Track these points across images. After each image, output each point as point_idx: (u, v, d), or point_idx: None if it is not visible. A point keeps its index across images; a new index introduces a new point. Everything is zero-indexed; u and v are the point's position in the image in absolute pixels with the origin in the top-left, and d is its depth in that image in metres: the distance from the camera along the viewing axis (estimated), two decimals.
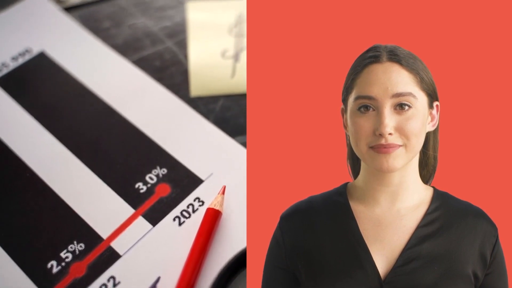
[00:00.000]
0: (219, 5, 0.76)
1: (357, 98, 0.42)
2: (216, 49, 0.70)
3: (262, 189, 0.51)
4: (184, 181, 0.59)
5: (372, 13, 0.50)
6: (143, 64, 0.69)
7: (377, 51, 0.43)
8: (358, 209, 0.43)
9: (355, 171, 0.46)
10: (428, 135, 0.44)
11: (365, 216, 0.43)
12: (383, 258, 0.42)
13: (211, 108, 0.65)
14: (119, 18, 0.75)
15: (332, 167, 0.48)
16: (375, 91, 0.41)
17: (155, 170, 0.59)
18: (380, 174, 0.43)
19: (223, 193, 0.56)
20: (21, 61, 0.69)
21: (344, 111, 0.44)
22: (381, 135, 0.41)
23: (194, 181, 0.58)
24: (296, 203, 0.45)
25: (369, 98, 0.42)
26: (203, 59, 0.69)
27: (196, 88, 0.66)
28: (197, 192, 0.58)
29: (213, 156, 0.60)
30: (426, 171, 0.45)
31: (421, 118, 0.42)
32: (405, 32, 0.48)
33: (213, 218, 0.54)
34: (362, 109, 0.42)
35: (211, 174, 0.59)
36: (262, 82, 0.52)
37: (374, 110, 0.42)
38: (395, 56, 0.42)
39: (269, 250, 0.46)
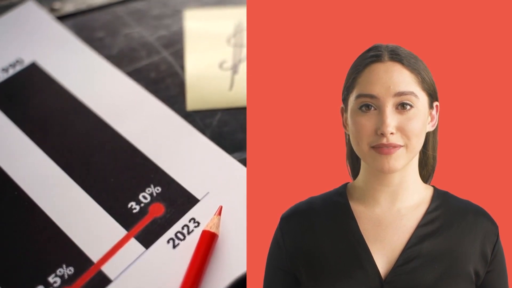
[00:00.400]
0: (217, 13, 0.73)
1: (359, 96, 0.42)
2: (214, 60, 0.68)
3: (262, 190, 0.50)
4: (179, 200, 0.56)
5: (371, 14, 0.50)
6: (138, 75, 0.66)
7: (379, 51, 0.43)
8: (358, 209, 0.43)
9: (355, 171, 0.45)
10: (427, 135, 0.44)
11: (365, 216, 0.43)
12: (383, 257, 0.42)
13: (208, 123, 0.62)
14: (114, 27, 0.72)
15: (332, 168, 0.48)
16: (377, 90, 0.41)
17: (149, 188, 0.57)
18: (381, 174, 0.43)
19: (220, 214, 0.54)
20: (11, 72, 0.67)
21: (344, 110, 0.44)
22: (382, 135, 0.41)
23: (189, 201, 0.56)
24: (296, 204, 0.45)
25: (371, 96, 0.42)
26: (200, 70, 0.66)
27: (193, 101, 0.64)
28: (192, 212, 0.55)
29: (210, 174, 0.58)
30: (426, 170, 0.45)
31: (422, 118, 0.42)
32: (405, 32, 0.48)
33: (209, 241, 0.51)
34: (363, 108, 0.42)
35: (207, 193, 0.56)
36: (262, 82, 0.52)
37: (375, 109, 0.42)
38: (396, 56, 0.42)
39: (269, 252, 0.46)
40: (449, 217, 0.43)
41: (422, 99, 0.42)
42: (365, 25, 0.50)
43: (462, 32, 0.49)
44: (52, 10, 0.73)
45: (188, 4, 0.74)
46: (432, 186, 0.45)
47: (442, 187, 0.45)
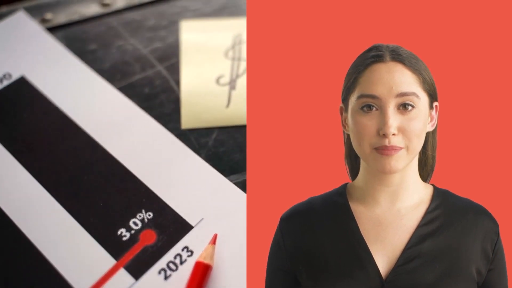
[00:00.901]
0: (215, 24, 0.70)
1: (360, 96, 0.42)
2: (211, 74, 0.64)
3: (262, 191, 0.50)
4: (171, 227, 0.53)
5: (371, 15, 0.50)
6: (131, 91, 0.63)
7: (380, 51, 0.43)
8: (358, 210, 0.44)
9: (353, 171, 0.45)
10: (427, 135, 0.44)
11: (365, 216, 0.43)
12: (384, 257, 0.42)
13: (203, 142, 0.59)
14: (107, 39, 0.69)
15: (332, 168, 0.48)
16: (379, 90, 0.41)
17: (140, 214, 0.54)
18: (381, 174, 0.43)
19: (214, 243, 0.50)
20: None
21: (343, 110, 0.44)
22: (384, 135, 0.41)
23: (182, 227, 0.52)
24: (295, 204, 0.45)
25: (373, 97, 0.42)
26: (195, 86, 0.63)
27: (188, 119, 0.60)
28: (185, 240, 0.52)
29: (204, 198, 0.54)
30: (425, 170, 0.45)
31: (423, 119, 0.42)
32: (404, 32, 0.48)
33: (202, 273, 0.48)
34: (365, 109, 0.42)
35: (202, 219, 0.53)
36: (262, 82, 0.51)
37: (377, 109, 0.42)
38: (398, 56, 0.42)
39: (270, 252, 0.46)
40: (449, 216, 0.43)
41: (423, 99, 0.42)
42: (364, 27, 0.50)
43: (462, 32, 0.49)
44: (43, 21, 0.70)
45: (185, 15, 0.71)
46: (432, 185, 0.45)
47: (442, 186, 0.45)
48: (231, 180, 0.55)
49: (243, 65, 0.65)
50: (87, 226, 0.53)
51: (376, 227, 0.43)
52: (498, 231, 0.43)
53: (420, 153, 0.44)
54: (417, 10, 0.50)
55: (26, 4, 0.72)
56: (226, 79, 0.64)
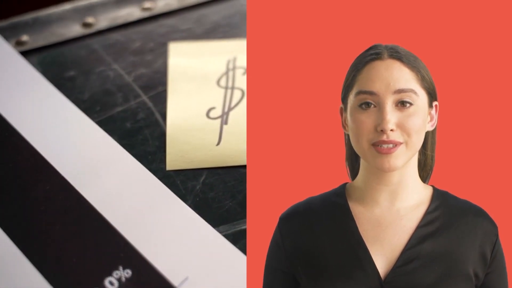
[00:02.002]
0: (207, 47, 0.64)
1: (358, 93, 0.43)
2: (200, 106, 0.58)
3: (262, 191, 0.49)
4: (151, 287, 0.47)
5: (371, 15, 0.50)
6: (111, 125, 0.58)
7: (378, 49, 0.43)
8: (358, 210, 0.44)
9: (354, 172, 0.46)
10: (426, 134, 0.44)
11: (364, 216, 0.43)
12: (383, 258, 0.42)
13: (191, 186, 0.53)
14: (87, 64, 0.63)
15: (332, 168, 0.48)
16: (377, 87, 0.42)
17: (117, 271, 0.47)
18: (380, 172, 0.43)
19: None
20: None
21: (343, 110, 0.45)
22: (382, 131, 0.41)
23: None
24: (295, 204, 0.45)
25: (371, 93, 0.42)
26: (183, 120, 0.57)
27: (173, 159, 0.54)
28: None
29: (190, 253, 0.48)
30: (425, 171, 0.45)
31: (422, 116, 0.43)
32: (404, 32, 0.49)
33: None
34: (363, 106, 0.42)
35: (186, 278, 0.47)
36: (262, 82, 0.51)
37: (375, 106, 0.42)
38: (396, 54, 0.43)
39: (268, 252, 0.45)
40: (449, 217, 0.43)
41: (422, 97, 0.43)
42: (364, 28, 0.50)
43: (462, 33, 0.50)
44: (18, 44, 0.64)
45: (174, 36, 0.65)
46: (432, 186, 0.45)
47: (440, 187, 0.45)
48: (220, 232, 0.50)
49: (237, 95, 0.59)
50: (58, 286, 0.47)
51: (376, 228, 0.43)
52: (497, 233, 0.44)
53: (419, 153, 0.44)
54: (417, 10, 0.50)
55: (0, 24, 0.67)
56: (217, 111, 0.58)
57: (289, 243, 0.44)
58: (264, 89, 0.51)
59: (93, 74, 0.62)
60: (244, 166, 0.54)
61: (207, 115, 0.58)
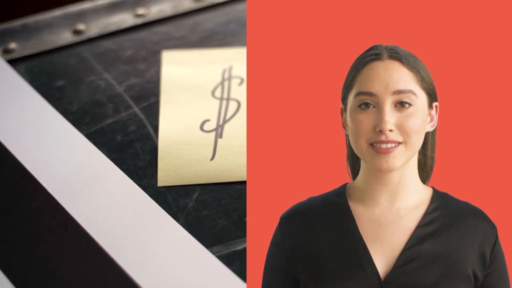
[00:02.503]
0: (202, 55, 0.63)
1: (358, 94, 0.43)
2: (194, 118, 0.57)
3: (262, 191, 0.49)
4: None
5: (371, 16, 0.50)
6: (101, 138, 0.56)
7: (378, 50, 0.44)
8: (358, 210, 0.44)
9: (354, 172, 0.46)
10: (426, 135, 0.44)
11: (364, 216, 0.43)
12: (383, 258, 0.42)
13: (183, 204, 0.51)
14: (76, 74, 0.62)
15: (332, 169, 0.48)
16: (376, 87, 0.42)
17: None
18: (380, 173, 0.43)
19: None
20: None
21: (343, 110, 0.45)
22: (381, 132, 0.42)
23: None
24: (295, 204, 0.46)
25: (370, 94, 0.42)
26: (176, 132, 0.56)
27: (165, 174, 0.52)
28: None
29: (181, 275, 0.46)
30: (425, 171, 0.46)
31: (421, 116, 0.43)
32: (404, 33, 0.49)
33: None
34: (362, 106, 0.42)
35: None
36: (262, 84, 0.50)
37: (374, 107, 0.42)
38: (396, 54, 0.43)
39: (269, 252, 0.45)
40: (448, 218, 0.43)
41: (421, 97, 0.43)
42: (364, 28, 0.50)
43: (462, 33, 0.50)
44: (5, 52, 0.63)
45: (167, 44, 0.64)
46: (432, 187, 0.45)
47: (440, 188, 0.45)
48: (214, 253, 0.47)
49: (233, 106, 0.58)
50: None
51: (376, 228, 0.43)
52: (497, 234, 0.44)
53: (419, 153, 0.45)
54: (417, 10, 0.50)
55: None
56: (212, 124, 0.56)
57: (289, 243, 0.44)
58: (264, 88, 0.51)
59: (82, 84, 0.61)
60: (240, 182, 0.52)
61: (201, 127, 0.56)
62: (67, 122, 0.57)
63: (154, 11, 0.68)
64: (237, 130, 0.55)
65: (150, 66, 0.62)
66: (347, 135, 0.45)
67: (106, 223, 0.49)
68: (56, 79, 0.61)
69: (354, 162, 0.46)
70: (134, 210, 0.50)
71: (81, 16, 0.66)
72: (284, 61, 0.51)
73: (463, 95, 0.49)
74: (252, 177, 0.49)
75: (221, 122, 0.56)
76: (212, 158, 0.53)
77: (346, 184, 0.46)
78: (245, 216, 0.50)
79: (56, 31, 0.65)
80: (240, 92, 0.59)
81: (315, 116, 0.50)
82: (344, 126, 0.45)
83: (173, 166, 0.53)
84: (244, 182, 0.52)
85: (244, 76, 0.61)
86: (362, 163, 0.44)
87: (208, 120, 0.56)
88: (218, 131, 0.55)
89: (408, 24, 0.50)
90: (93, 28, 0.65)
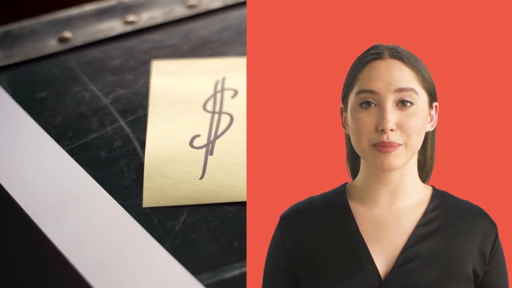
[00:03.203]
0: (193, 65, 0.60)
1: (359, 92, 0.43)
2: (184, 133, 0.54)
3: (262, 190, 0.49)
4: None
5: (371, 16, 0.51)
6: (84, 154, 0.53)
7: (379, 49, 0.44)
8: (358, 210, 0.44)
9: (354, 172, 0.46)
10: (426, 135, 0.45)
11: (364, 216, 0.44)
12: (383, 258, 0.43)
13: (169, 227, 0.48)
14: (60, 84, 0.59)
15: (332, 168, 0.48)
16: (377, 86, 0.42)
17: None
18: (380, 172, 0.44)
19: None
20: None
21: (343, 110, 0.45)
22: (383, 131, 0.42)
23: None
24: (295, 203, 0.46)
25: (372, 92, 0.42)
26: (164, 148, 0.53)
27: (151, 194, 0.49)
28: None
29: None
30: (424, 171, 0.46)
31: (422, 116, 0.43)
32: (404, 32, 0.49)
33: None
34: (364, 105, 0.43)
35: None
36: (262, 83, 0.50)
37: (376, 105, 0.43)
38: (397, 53, 0.43)
39: (269, 252, 0.46)
40: (448, 217, 0.44)
41: (422, 97, 0.43)
42: (364, 28, 0.50)
43: (462, 33, 0.50)
44: None
45: (158, 53, 0.62)
46: (431, 186, 0.46)
47: (439, 187, 0.46)
48: (201, 281, 0.45)
49: (225, 120, 0.55)
50: None
51: (376, 227, 0.43)
52: (497, 232, 0.44)
53: (419, 153, 0.45)
54: (417, 10, 0.50)
55: None
56: (202, 140, 0.53)
57: (289, 242, 0.44)
58: (264, 87, 0.50)
59: (66, 95, 0.58)
60: (230, 204, 0.49)
61: (191, 143, 0.53)
62: (49, 136, 0.54)
63: (144, 18, 0.65)
64: (228, 146, 0.53)
65: (139, 76, 0.59)
66: (346, 135, 0.45)
67: (86, 247, 0.47)
68: (38, 90, 0.58)
69: (354, 162, 0.46)
70: (116, 233, 0.48)
71: (68, 23, 0.64)
72: (283, 61, 0.51)
73: (462, 95, 0.49)
74: (252, 177, 0.49)
75: (212, 138, 0.53)
76: (202, 177, 0.50)
77: (346, 183, 0.46)
78: (235, 240, 0.47)
79: (40, 39, 0.62)
80: (233, 105, 0.56)
81: (314, 116, 0.50)
82: (344, 125, 0.45)
83: (160, 185, 0.50)
84: (235, 203, 0.49)
85: (238, 87, 0.58)
86: (362, 163, 0.45)
87: (198, 136, 0.53)
88: (209, 148, 0.52)
89: (408, 24, 0.50)
90: (80, 35, 0.63)
